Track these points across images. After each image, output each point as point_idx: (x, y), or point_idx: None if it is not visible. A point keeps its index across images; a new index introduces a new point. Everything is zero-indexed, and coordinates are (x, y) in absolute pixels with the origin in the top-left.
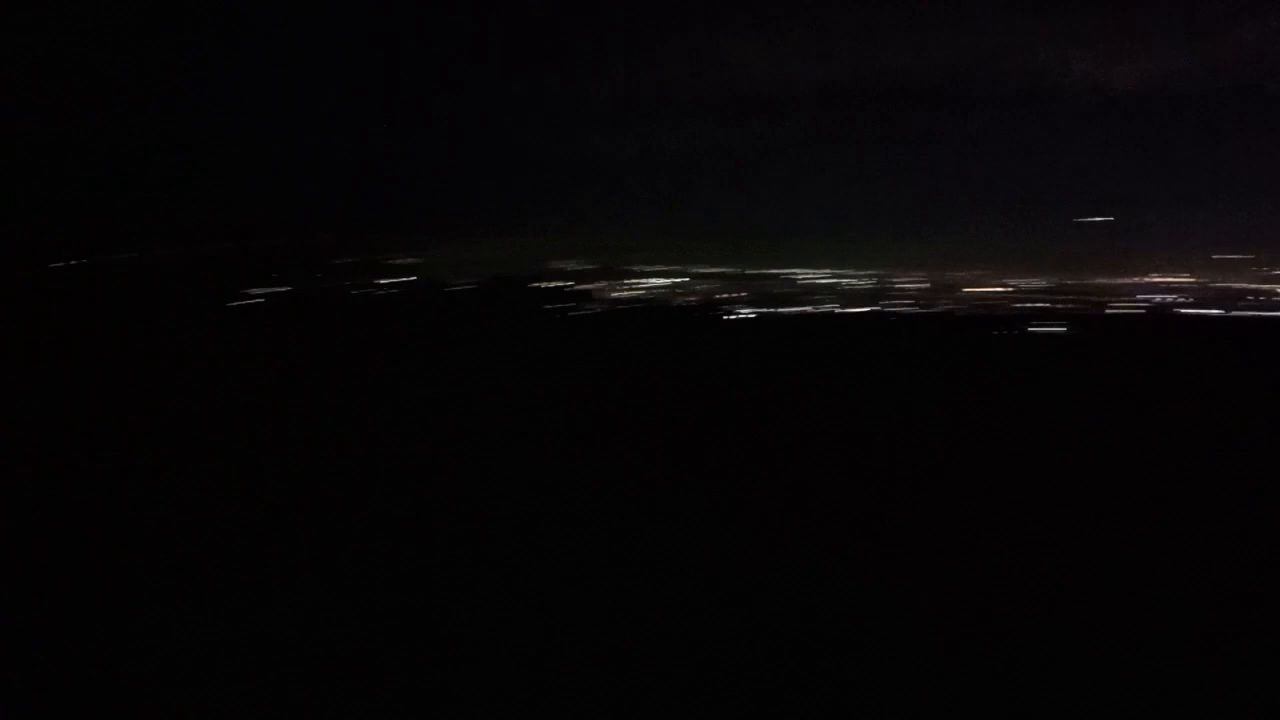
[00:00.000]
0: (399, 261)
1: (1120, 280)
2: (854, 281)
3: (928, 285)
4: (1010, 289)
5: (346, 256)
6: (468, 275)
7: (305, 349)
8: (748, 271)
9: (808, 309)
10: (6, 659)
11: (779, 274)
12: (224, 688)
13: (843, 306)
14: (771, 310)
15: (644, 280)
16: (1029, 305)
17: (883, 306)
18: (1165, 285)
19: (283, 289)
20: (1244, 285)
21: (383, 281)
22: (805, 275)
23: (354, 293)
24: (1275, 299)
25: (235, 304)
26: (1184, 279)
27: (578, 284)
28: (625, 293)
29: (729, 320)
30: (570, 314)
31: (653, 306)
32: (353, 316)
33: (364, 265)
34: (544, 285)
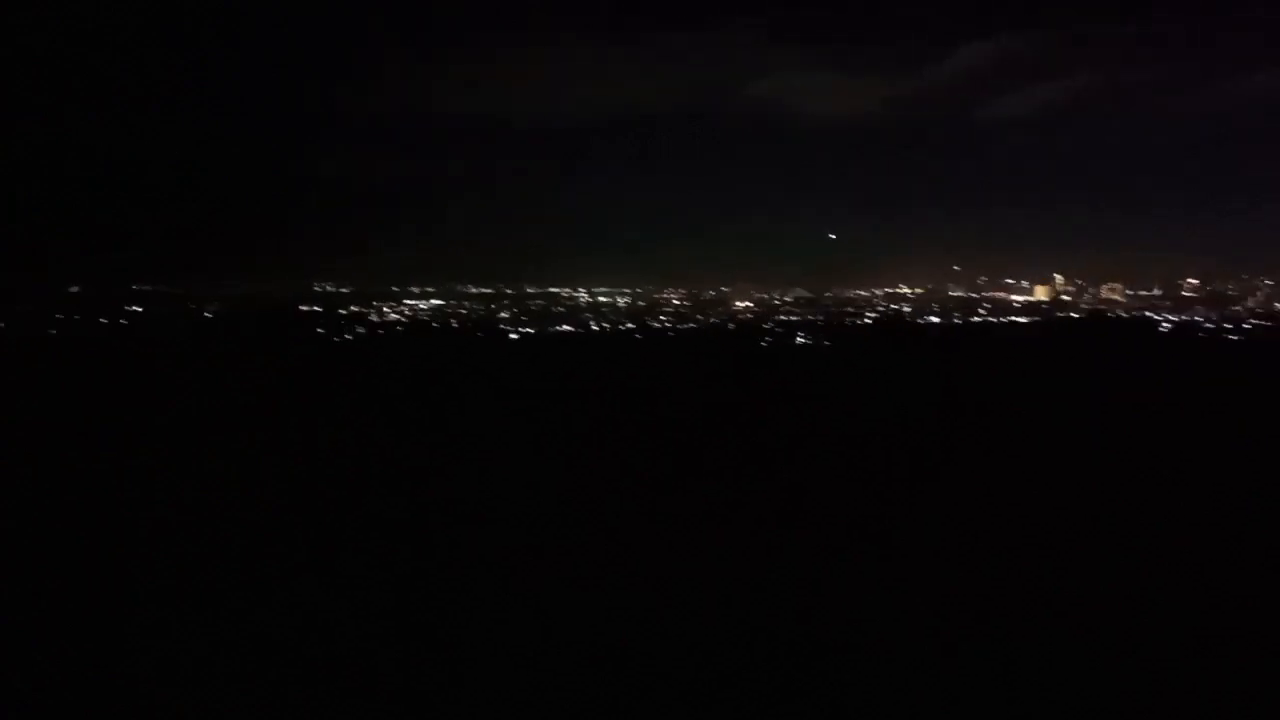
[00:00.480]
0: (147, 289)
1: (860, 292)
2: (619, 299)
3: (689, 303)
4: (768, 301)
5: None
6: (224, 300)
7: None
8: (514, 290)
9: (576, 328)
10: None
11: (545, 292)
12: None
13: (612, 324)
14: (542, 328)
15: (411, 301)
16: (786, 318)
17: (649, 322)
18: (900, 296)
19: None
20: (968, 294)
21: (134, 309)
22: (571, 294)
23: (101, 321)
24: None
25: None
26: (914, 289)
27: (344, 306)
28: (393, 315)
29: (503, 339)
30: (339, 337)
31: (421, 326)
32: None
33: (110, 294)
34: (309, 309)
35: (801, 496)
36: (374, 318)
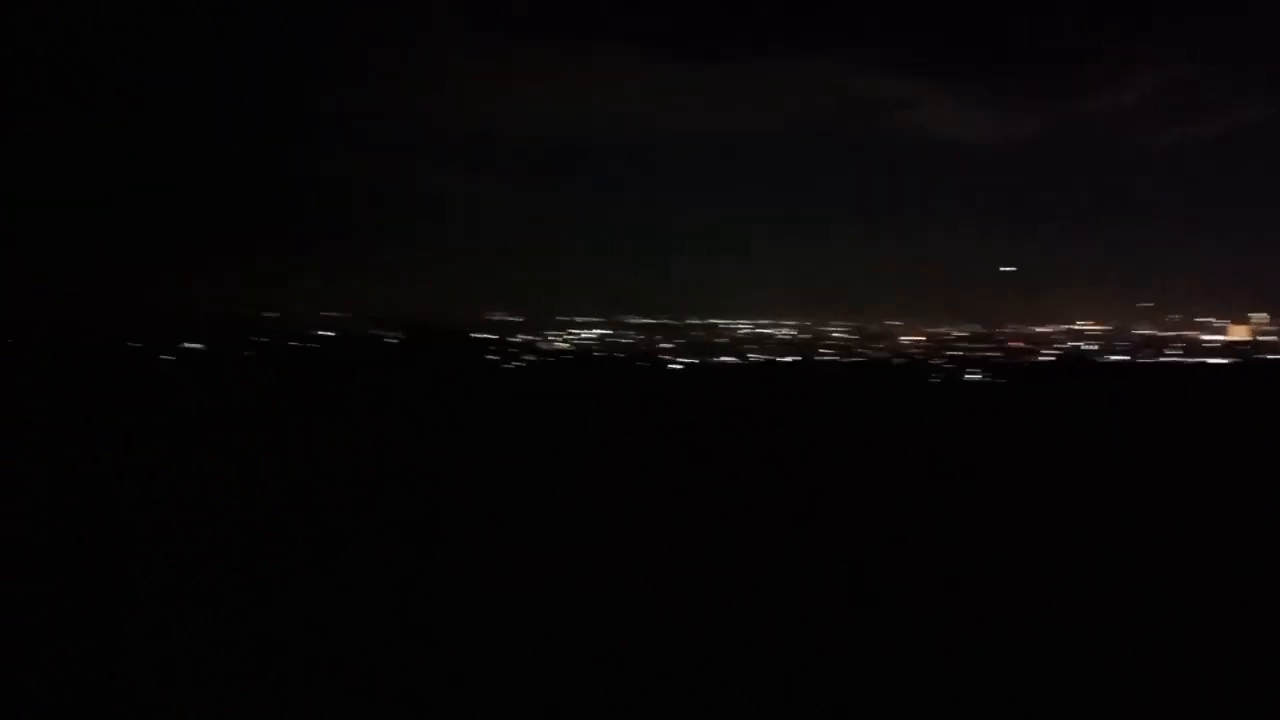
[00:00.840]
0: (335, 315)
1: (1035, 328)
2: (781, 331)
3: (855, 336)
4: (936, 337)
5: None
6: (405, 327)
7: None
8: (675, 321)
9: (737, 359)
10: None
11: (706, 324)
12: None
13: (775, 356)
14: (706, 359)
15: (577, 330)
16: (956, 353)
17: (813, 356)
18: (1080, 333)
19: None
20: (1155, 333)
21: (320, 333)
22: (732, 325)
23: (292, 344)
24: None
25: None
26: (1096, 326)
27: (514, 334)
28: (560, 343)
29: (667, 369)
30: (509, 364)
31: (586, 356)
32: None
33: (302, 319)
34: (482, 336)
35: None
36: (542, 345)
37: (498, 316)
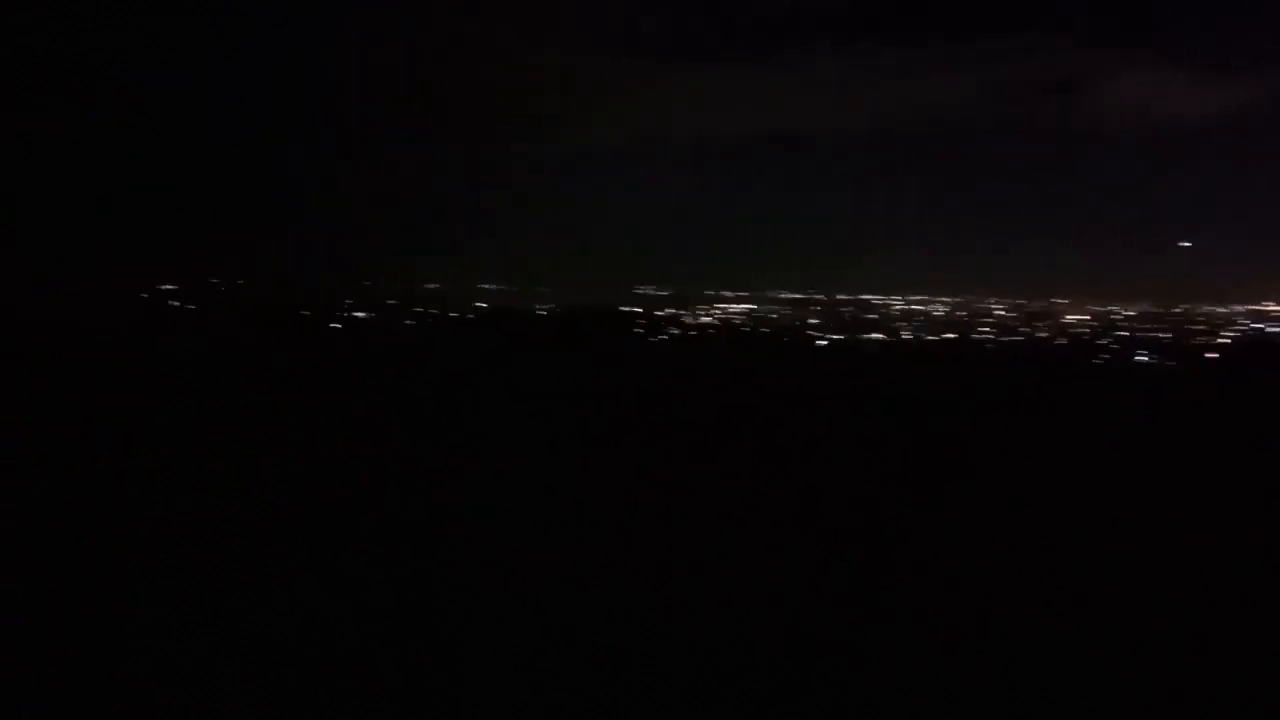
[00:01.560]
0: (491, 287)
1: (1213, 308)
2: (936, 308)
3: (1014, 314)
4: (1103, 315)
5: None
6: (557, 299)
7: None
8: (825, 296)
9: (887, 336)
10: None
11: (857, 299)
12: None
13: (928, 334)
14: (852, 335)
15: (722, 305)
16: (1124, 333)
17: (970, 335)
18: (1266, 314)
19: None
20: None
21: (480, 305)
22: (884, 300)
23: (452, 315)
24: None
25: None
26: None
27: (661, 308)
28: (705, 318)
29: (810, 346)
30: (655, 336)
31: (731, 330)
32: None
33: (460, 291)
34: (630, 310)
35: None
36: (688, 319)
37: (646, 291)
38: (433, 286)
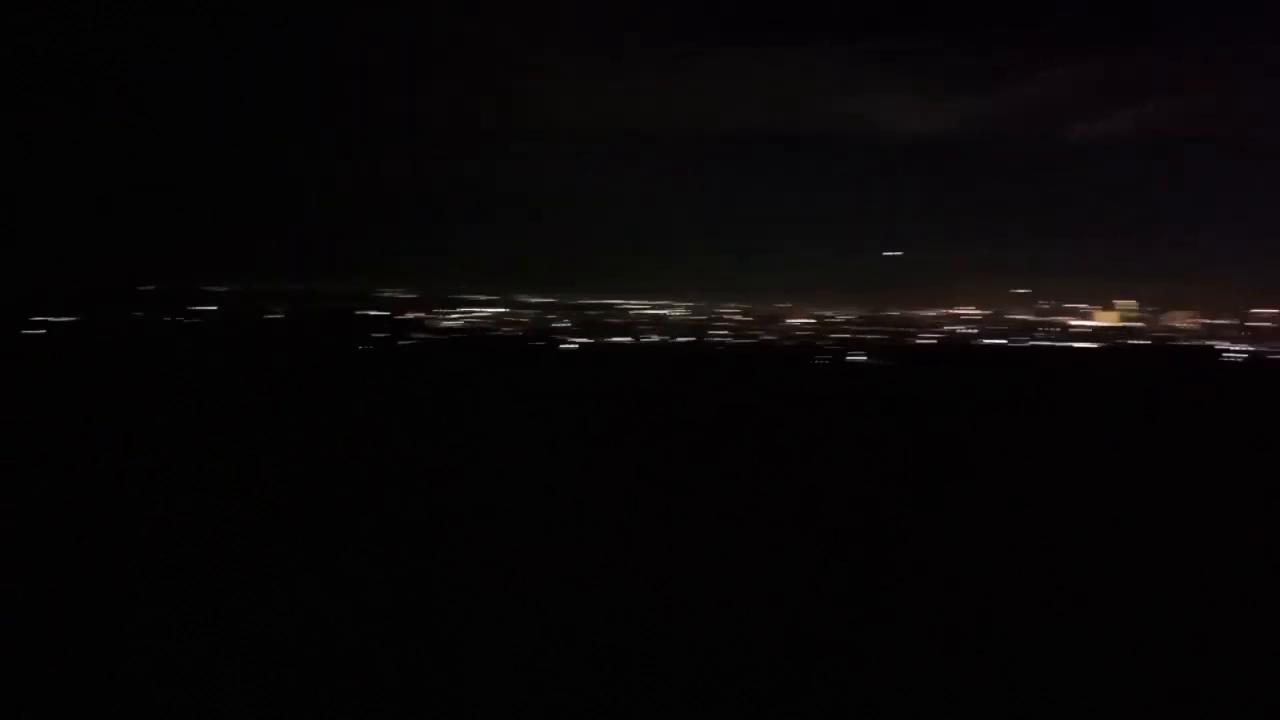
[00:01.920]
0: (214, 289)
1: (921, 312)
2: (677, 312)
3: (749, 317)
4: (825, 320)
5: (154, 284)
6: (286, 303)
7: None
8: (572, 301)
9: (633, 339)
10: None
11: (603, 304)
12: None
13: (670, 336)
14: (600, 340)
15: (470, 309)
16: (843, 336)
17: (708, 337)
18: (961, 318)
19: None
20: (1029, 318)
21: (199, 309)
22: (629, 305)
23: (167, 320)
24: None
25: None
26: (976, 312)
27: (402, 313)
28: (451, 321)
29: (559, 349)
30: (399, 342)
31: (480, 334)
32: (168, 343)
33: (177, 293)
34: (370, 314)
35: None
36: (432, 323)
37: (389, 294)
38: (148, 288)
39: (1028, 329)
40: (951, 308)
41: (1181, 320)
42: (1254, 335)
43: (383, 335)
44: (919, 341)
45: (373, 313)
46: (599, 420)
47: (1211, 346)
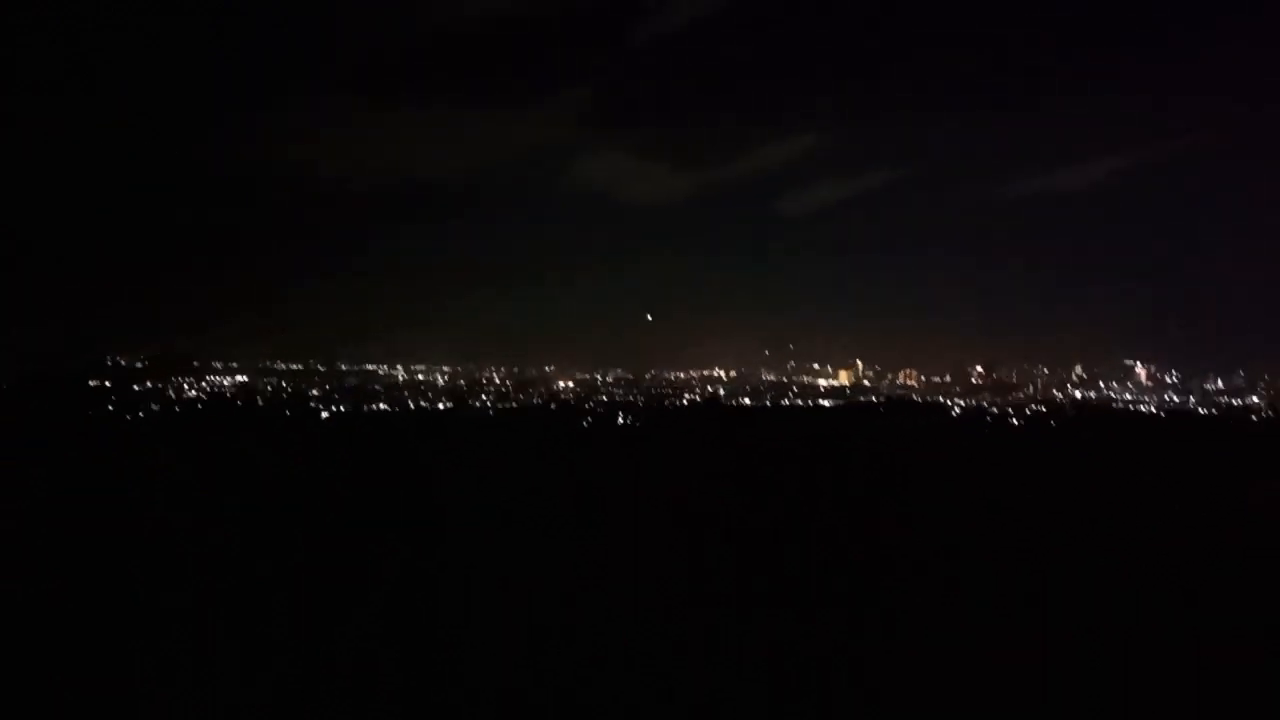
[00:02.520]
0: None
1: (678, 374)
2: (435, 376)
3: (511, 380)
4: (589, 381)
5: None
6: (7, 373)
7: None
8: (326, 367)
9: (393, 406)
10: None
11: (361, 370)
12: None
13: (430, 403)
14: (357, 407)
15: (215, 375)
16: (609, 399)
17: (470, 401)
18: (716, 378)
19: None
20: (779, 379)
21: None
22: (386, 370)
23: None
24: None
25: None
26: (729, 372)
27: (139, 380)
28: (195, 390)
29: (314, 418)
30: (131, 415)
31: (229, 403)
32: None
33: None
34: (97, 383)
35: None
36: (171, 394)
37: (121, 360)
38: None
39: (778, 389)
40: (707, 369)
41: (907, 379)
42: (969, 392)
43: (111, 407)
44: (679, 403)
45: (103, 382)
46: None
47: (943, 403)
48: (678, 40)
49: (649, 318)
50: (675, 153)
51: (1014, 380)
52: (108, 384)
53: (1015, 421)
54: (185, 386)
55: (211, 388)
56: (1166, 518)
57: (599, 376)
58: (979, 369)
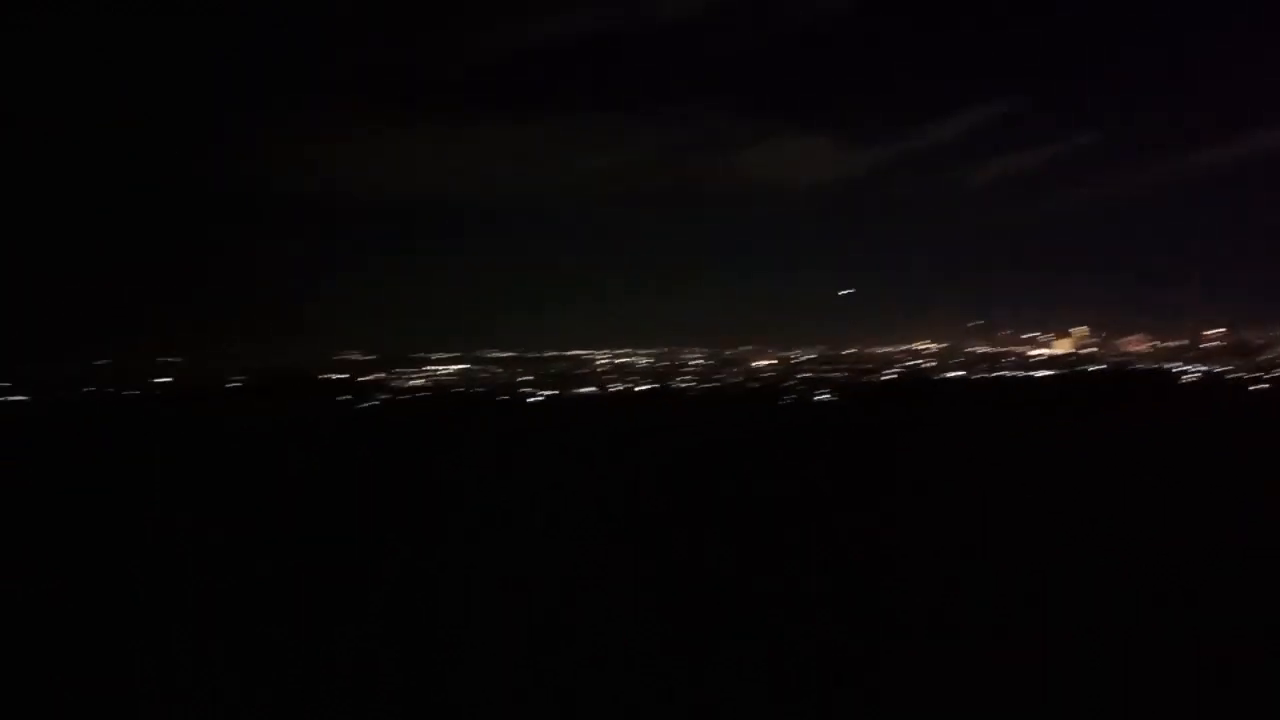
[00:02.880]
0: (169, 359)
1: (880, 349)
2: (639, 360)
3: (710, 361)
4: (786, 360)
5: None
6: (248, 371)
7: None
8: (535, 355)
9: (597, 388)
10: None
11: (566, 355)
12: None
13: (634, 385)
14: (564, 390)
15: (432, 367)
16: (806, 375)
17: (670, 383)
18: (921, 351)
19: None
20: (988, 349)
21: (157, 381)
22: (591, 355)
23: (124, 393)
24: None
25: None
26: (932, 345)
27: (362, 375)
28: (414, 380)
29: (523, 402)
30: (362, 404)
31: (443, 391)
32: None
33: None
34: (331, 377)
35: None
36: (396, 384)
37: (350, 357)
38: (101, 363)
39: (987, 360)
40: (909, 343)
41: (1135, 345)
42: (1205, 356)
43: (345, 398)
44: (881, 378)
45: (334, 376)
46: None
47: (1169, 370)
48: (848, 16)
49: (846, 292)
50: (851, 130)
51: (1259, 343)
52: (335, 378)
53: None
54: (407, 379)
55: (429, 379)
56: None
57: (799, 354)
58: (1220, 330)
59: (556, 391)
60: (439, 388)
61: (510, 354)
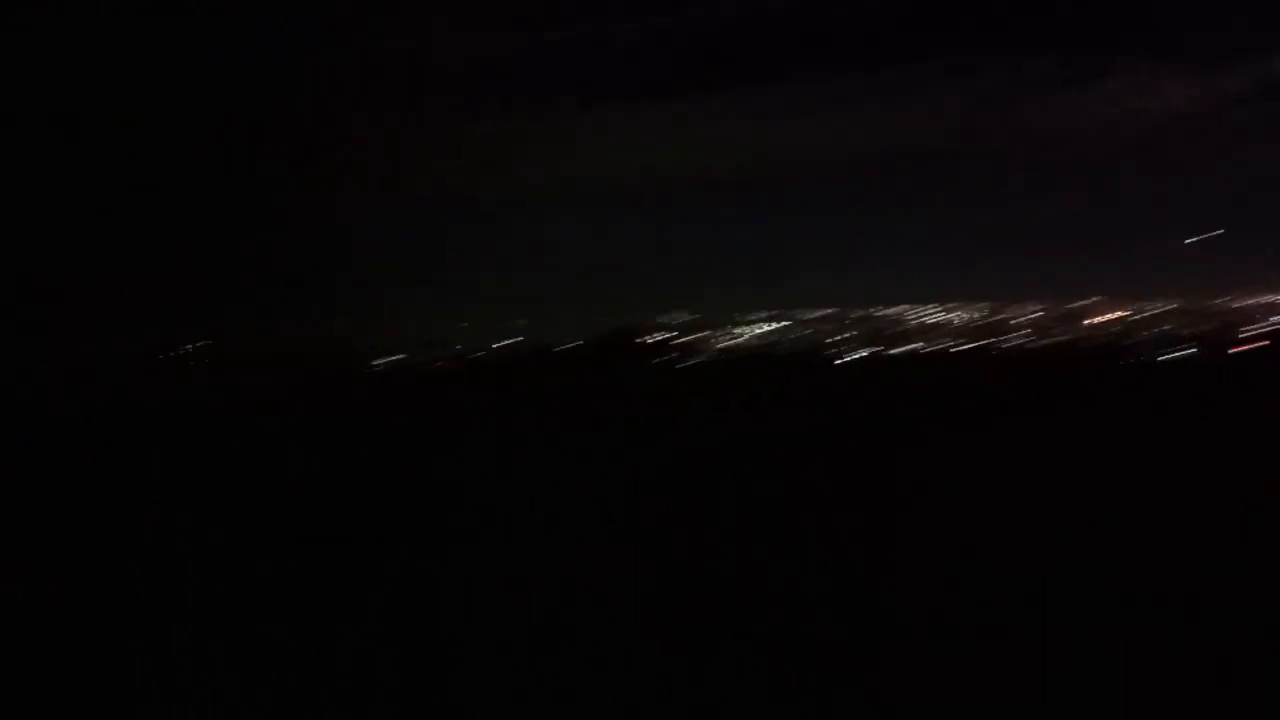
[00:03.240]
0: (509, 324)
1: (1244, 302)
2: (965, 315)
3: (1043, 314)
4: (1130, 315)
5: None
6: (573, 335)
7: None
8: (853, 313)
9: (920, 346)
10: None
11: (885, 313)
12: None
13: (958, 343)
14: (883, 350)
15: (748, 328)
16: (1152, 331)
17: (999, 339)
18: None
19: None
20: None
21: (496, 345)
22: (913, 311)
23: (471, 357)
24: None
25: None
26: None
27: (682, 336)
28: (731, 341)
29: (843, 363)
30: (679, 365)
31: (760, 353)
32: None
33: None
34: (651, 339)
35: None
36: (715, 343)
37: (671, 319)
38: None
39: None
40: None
41: None
42: None
43: (664, 359)
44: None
45: (655, 337)
46: None
47: None
48: None
49: (1199, 237)
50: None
51: None
52: (651, 340)
53: None
54: (714, 342)
55: (745, 337)
56: None
57: (1145, 309)
58: None
59: (876, 350)
60: (749, 348)
61: (827, 310)
